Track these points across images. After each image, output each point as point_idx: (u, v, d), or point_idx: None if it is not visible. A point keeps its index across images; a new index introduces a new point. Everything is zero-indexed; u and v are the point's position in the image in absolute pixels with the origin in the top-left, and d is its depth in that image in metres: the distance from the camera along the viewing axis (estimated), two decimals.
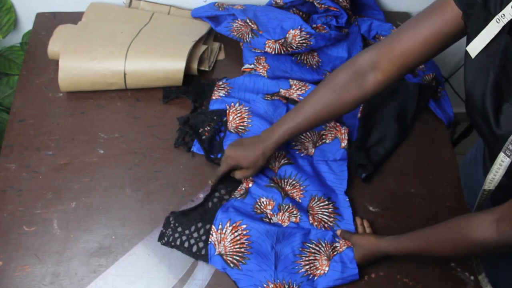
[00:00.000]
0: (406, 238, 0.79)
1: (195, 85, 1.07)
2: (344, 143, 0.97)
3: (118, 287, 0.82)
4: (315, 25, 1.12)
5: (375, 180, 0.97)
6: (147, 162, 0.96)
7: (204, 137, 0.98)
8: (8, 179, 0.92)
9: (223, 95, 1.04)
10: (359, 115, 1.03)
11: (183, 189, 0.93)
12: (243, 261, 0.83)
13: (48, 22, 1.15)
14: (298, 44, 1.07)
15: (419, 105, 1.05)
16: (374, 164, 0.97)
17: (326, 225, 0.89)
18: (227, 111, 1.01)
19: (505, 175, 0.71)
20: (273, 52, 1.07)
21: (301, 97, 1.04)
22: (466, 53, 0.67)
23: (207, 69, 1.09)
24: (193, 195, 0.92)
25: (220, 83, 1.07)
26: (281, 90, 1.05)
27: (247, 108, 1.01)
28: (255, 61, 1.10)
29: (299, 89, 1.05)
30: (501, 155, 0.67)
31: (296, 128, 0.84)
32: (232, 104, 1.02)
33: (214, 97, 1.04)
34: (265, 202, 0.90)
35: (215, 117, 1.00)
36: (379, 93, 0.81)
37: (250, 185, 0.91)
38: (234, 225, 0.86)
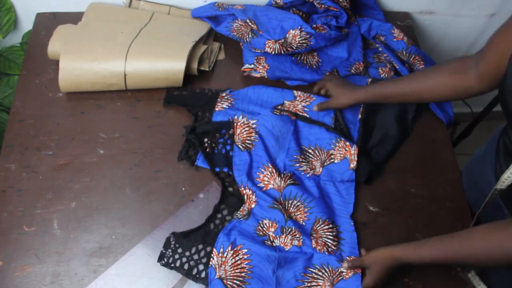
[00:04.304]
0: (428, 246, 0.74)
1: (198, 95, 1.05)
2: (353, 164, 0.95)
3: (118, 287, 0.82)
4: (315, 25, 1.12)
5: (375, 180, 0.97)
6: (147, 162, 0.96)
7: (208, 149, 0.97)
8: (8, 179, 0.92)
9: (227, 107, 1.03)
10: (359, 116, 1.03)
11: (183, 189, 0.93)
12: (243, 286, 0.81)
13: (48, 22, 1.16)
14: (298, 44, 1.06)
15: (419, 106, 1.05)
16: (375, 165, 0.97)
17: (329, 249, 0.86)
18: (235, 124, 1.00)
19: None
20: (273, 52, 1.07)
21: (306, 109, 1.04)
22: None
23: (207, 69, 1.09)
24: (193, 195, 0.92)
25: (224, 94, 1.06)
26: (285, 102, 1.05)
27: (254, 121, 1.00)
28: (255, 61, 1.10)
29: (304, 101, 1.05)
30: None
31: (387, 94, 0.93)
32: (236, 117, 1.01)
33: (217, 109, 1.03)
34: (267, 224, 0.88)
35: (222, 130, 0.99)
36: (480, 92, 0.83)
37: (253, 206, 0.90)
38: (235, 249, 0.85)
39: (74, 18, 1.12)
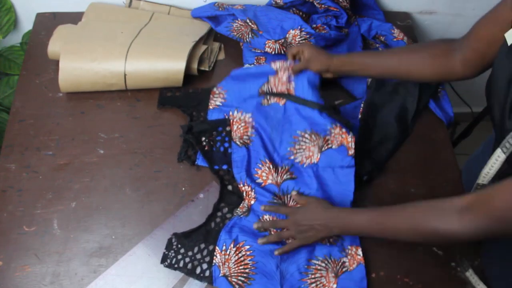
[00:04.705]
0: (360, 217, 0.78)
1: (191, 95, 1.05)
2: (351, 151, 0.92)
3: (118, 287, 0.82)
4: (315, 25, 1.12)
5: (375, 180, 0.97)
6: (147, 162, 0.96)
7: (206, 148, 0.96)
8: (8, 179, 0.92)
9: (220, 104, 1.02)
10: (359, 116, 1.03)
11: (183, 189, 0.93)
12: (248, 282, 0.81)
13: (48, 22, 1.15)
14: (298, 44, 1.06)
15: (419, 105, 1.05)
16: (376, 165, 0.97)
17: (331, 240, 0.87)
18: (231, 120, 0.99)
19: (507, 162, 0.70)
20: (273, 52, 1.07)
21: (292, 80, 0.98)
22: (504, 39, 0.68)
23: (207, 69, 1.09)
24: (193, 195, 0.92)
25: (215, 89, 1.05)
26: (270, 78, 1.00)
27: (249, 115, 0.99)
28: (255, 61, 1.10)
29: (285, 71, 0.99)
30: (498, 150, 0.68)
31: (364, 64, 0.92)
32: (231, 113, 1.00)
33: (211, 107, 1.02)
34: (268, 220, 0.88)
35: (219, 127, 0.98)
36: (463, 77, 0.83)
37: (252, 202, 0.90)
38: (238, 246, 0.85)
39: (74, 18, 1.12)
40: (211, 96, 1.04)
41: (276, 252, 0.83)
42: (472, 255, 0.89)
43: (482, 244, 0.93)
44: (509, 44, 0.67)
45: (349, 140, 0.92)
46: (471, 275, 0.85)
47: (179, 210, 0.90)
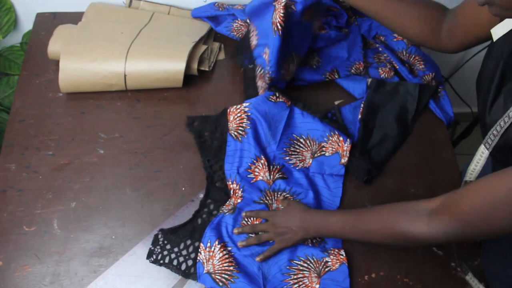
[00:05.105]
0: (334, 218, 0.79)
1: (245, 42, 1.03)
2: (344, 160, 0.94)
3: (118, 287, 0.82)
4: None
5: (375, 180, 0.97)
6: (147, 162, 0.96)
7: (209, 144, 0.97)
8: (8, 179, 0.92)
9: (257, 42, 0.99)
10: (359, 116, 1.03)
11: (183, 189, 0.93)
12: (231, 280, 0.82)
13: (48, 22, 1.15)
14: None
15: (419, 106, 1.05)
16: (375, 165, 0.97)
17: (314, 241, 0.87)
18: (228, 110, 0.98)
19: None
20: None
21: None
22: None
23: (207, 69, 1.09)
24: (193, 195, 0.93)
25: (250, 26, 1.02)
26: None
27: (246, 104, 0.97)
28: None
29: None
30: (482, 147, 0.68)
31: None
32: (264, 50, 0.96)
33: (252, 47, 1.00)
34: (252, 218, 0.89)
35: (218, 123, 0.98)
36: (447, 48, 0.85)
37: (239, 201, 0.90)
38: (222, 243, 0.85)
39: (74, 18, 1.12)
40: (249, 35, 1.02)
41: (257, 259, 0.84)
42: (472, 256, 0.89)
43: (482, 244, 0.93)
44: (494, 40, 0.67)
45: (345, 149, 0.94)
46: (470, 279, 0.85)
47: (179, 210, 0.90)
